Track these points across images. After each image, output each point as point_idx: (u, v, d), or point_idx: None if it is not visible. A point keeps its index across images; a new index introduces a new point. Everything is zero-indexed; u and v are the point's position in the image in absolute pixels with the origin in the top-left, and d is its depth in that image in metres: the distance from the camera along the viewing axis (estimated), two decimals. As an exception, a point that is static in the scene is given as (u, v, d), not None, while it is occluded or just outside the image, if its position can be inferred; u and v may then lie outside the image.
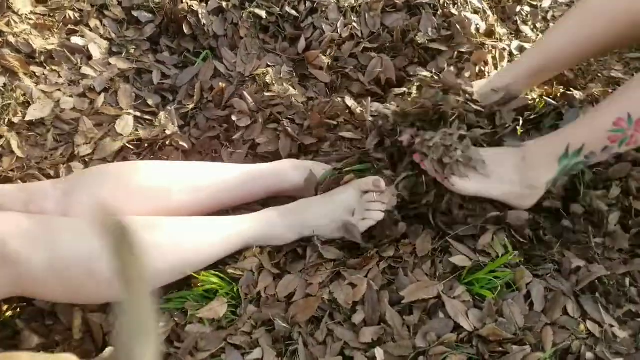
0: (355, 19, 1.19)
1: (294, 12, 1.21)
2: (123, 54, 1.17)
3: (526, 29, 1.28)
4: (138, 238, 0.48)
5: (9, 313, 0.82)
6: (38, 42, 1.12)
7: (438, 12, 1.18)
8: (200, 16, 1.18)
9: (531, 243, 0.85)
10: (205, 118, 1.10)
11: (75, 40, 1.15)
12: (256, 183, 0.92)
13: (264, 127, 1.04)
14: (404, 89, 1.08)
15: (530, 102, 0.99)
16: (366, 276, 0.80)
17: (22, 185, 0.85)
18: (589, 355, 0.73)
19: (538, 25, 1.32)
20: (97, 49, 1.16)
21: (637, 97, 0.77)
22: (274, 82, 1.10)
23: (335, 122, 1.03)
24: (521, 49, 1.19)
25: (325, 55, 1.16)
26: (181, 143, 1.04)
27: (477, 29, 1.17)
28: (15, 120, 1.02)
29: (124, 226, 0.48)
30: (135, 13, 1.22)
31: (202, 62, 1.17)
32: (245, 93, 1.08)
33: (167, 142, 1.04)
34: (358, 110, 1.03)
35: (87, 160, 1.00)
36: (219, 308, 0.79)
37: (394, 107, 0.94)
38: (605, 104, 0.83)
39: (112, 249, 0.47)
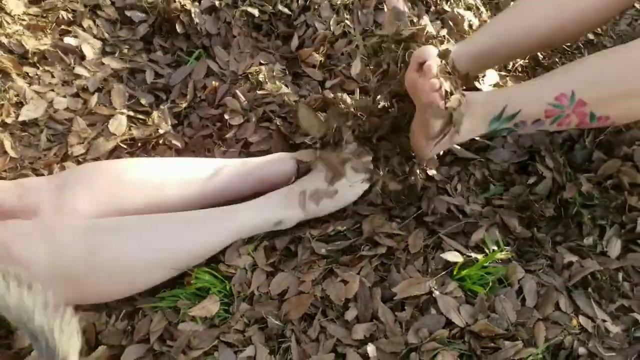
0: (347, 16, 1.19)
1: (286, 10, 1.21)
2: (116, 54, 1.17)
3: (520, 25, 1.28)
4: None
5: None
6: (31, 43, 1.12)
7: (431, 9, 1.18)
8: (193, 15, 1.18)
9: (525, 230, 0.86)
10: (199, 117, 1.09)
11: (69, 40, 1.15)
12: (249, 176, 0.91)
13: (257, 126, 1.04)
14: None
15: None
16: (358, 273, 0.80)
17: (17, 180, 0.86)
18: (581, 350, 0.73)
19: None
20: (90, 49, 1.16)
21: (585, 76, 0.74)
22: (266, 80, 1.10)
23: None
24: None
25: (318, 53, 1.16)
26: (174, 142, 1.04)
27: (470, 26, 1.16)
28: (9, 120, 1.02)
29: None
30: (128, 13, 1.22)
31: (195, 61, 1.17)
32: (238, 92, 1.08)
33: (161, 141, 1.04)
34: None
35: (80, 160, 1.00)
36: (211, 306, 0.79)
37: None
38: (552, 74, 0.79)
39: None
